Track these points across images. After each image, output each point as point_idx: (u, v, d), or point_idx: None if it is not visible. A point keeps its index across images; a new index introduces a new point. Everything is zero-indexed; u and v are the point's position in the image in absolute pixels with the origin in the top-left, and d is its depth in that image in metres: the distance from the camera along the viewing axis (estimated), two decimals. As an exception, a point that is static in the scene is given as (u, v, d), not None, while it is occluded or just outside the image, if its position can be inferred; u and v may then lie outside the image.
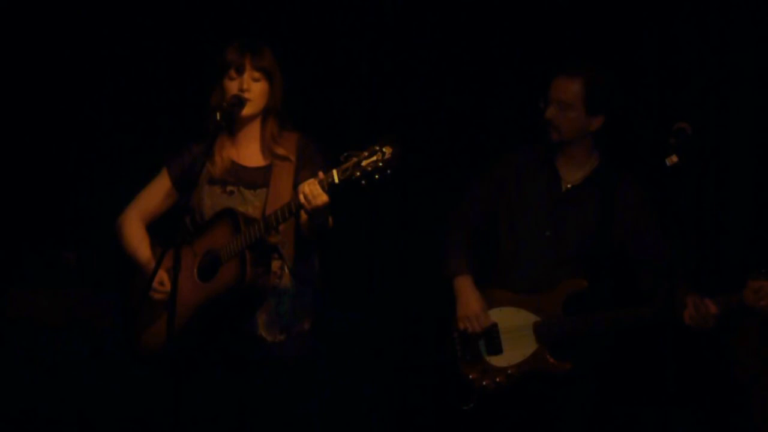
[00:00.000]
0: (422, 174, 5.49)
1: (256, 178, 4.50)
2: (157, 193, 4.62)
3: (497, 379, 4.68)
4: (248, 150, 4.55)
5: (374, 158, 4.07)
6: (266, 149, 4.52)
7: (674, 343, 5.09)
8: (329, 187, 4.15)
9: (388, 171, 4.07)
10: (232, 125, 4.50)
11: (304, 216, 4.30)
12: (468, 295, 4.72)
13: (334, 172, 4.13)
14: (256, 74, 4.45)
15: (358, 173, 4.08)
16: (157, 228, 4.64)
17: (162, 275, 4.43)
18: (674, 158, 4.28)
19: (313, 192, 4.16)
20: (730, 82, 5.25)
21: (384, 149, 4.07)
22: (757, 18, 5.19)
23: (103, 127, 5.85)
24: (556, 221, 4.68)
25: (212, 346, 4.44)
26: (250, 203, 4.48)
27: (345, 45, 5.66)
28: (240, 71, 4.44)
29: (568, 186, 4.72)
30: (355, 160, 4.10)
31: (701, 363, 5.13)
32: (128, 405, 5.35)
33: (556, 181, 4.72)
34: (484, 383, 4.69)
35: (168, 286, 4.39)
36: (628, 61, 5.32)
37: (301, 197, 4.18)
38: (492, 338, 4.72)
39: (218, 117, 4.29)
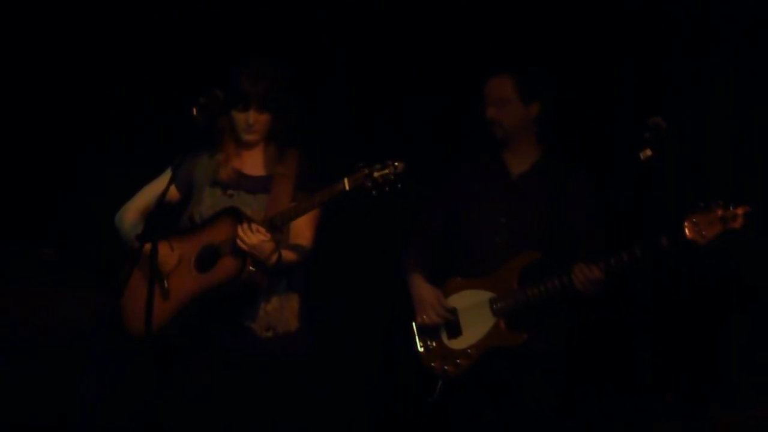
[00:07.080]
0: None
1: (257, 185, 4.65)
2: (158, 192, 4.64)
3: (458, 361, 4.71)
4: (252, 161, 4.70)
5: (386, 171, 4.28)
6: (268, 166, 4.67)
7: (648, 332, 5.16)
8: (339, 195, 4.31)
9: (399, 185, 4.27)
10: (214, 122, 4.53)
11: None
12: (419, 288, 4.86)
13: (346, 180, 4.31)
14: (262, 107, 4.57)
15: (369, 184, 4.28)
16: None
17: (165, 249, 4.54)
18: (648, 152, 4.33)
19: (250, 232, 4.36)
20: (705, 78, 5.29)
21: (396, 163, 4.27)
22: (732, 12, 5.23)
23: (84, 125, 5.85)
24: (509, 208, 4.80)
25: (203, 334, 4.54)
26: (249, 206, 4.60)
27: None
28: (247, 105, 4.55)
29: (517, 175, 4.85)
30: (366, 171, 4.29)
31: (676, 351, 5.17)
32: (112, 402, 5.35)
33: (505, 172, 4.87)
34: (445, 368, 4.73)
35: (175, 258, 4.54)
36: (603, 56, 5.39)
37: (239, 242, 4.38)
38: (451, 322, 4.77)
39: (194, 112, 4.33)
